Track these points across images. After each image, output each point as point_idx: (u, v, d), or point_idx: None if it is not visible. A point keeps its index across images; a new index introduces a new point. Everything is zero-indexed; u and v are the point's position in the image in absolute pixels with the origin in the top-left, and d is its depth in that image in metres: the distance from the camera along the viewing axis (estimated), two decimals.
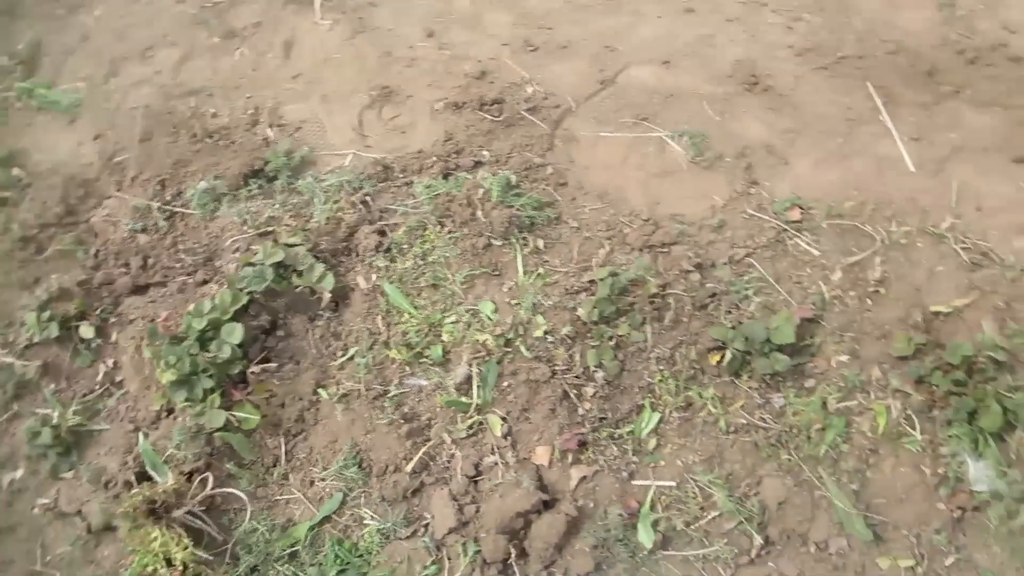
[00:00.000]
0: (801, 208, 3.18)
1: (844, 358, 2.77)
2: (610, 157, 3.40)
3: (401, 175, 3.31)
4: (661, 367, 2.77)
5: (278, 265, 2.87)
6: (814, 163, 3.35)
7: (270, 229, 3.11)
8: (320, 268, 2.90)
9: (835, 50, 3.76)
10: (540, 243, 3.08)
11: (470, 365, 2.77)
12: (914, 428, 2.61)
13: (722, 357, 2.70)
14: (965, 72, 3.66)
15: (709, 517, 2.53)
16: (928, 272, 2.98)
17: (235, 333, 2.65)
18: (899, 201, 3.20)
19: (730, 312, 2.86)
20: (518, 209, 3.11)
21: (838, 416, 2.64)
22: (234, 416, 2.64)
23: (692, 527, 2.52)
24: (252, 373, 2.71)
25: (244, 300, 2.74)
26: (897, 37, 3.79)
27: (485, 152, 3.37)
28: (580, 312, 2.82)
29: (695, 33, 3.86)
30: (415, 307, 2.92)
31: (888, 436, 2.60)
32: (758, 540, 2.46)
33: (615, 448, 2.68)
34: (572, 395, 2.73)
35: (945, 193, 3.22)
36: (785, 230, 3.11)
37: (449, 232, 3.09)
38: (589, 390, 2.74)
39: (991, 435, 2.51)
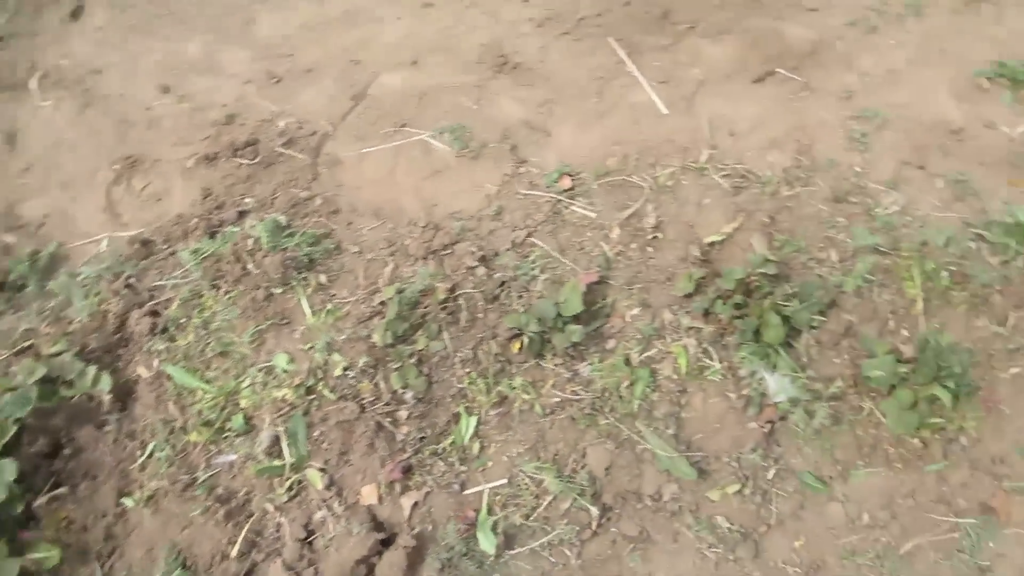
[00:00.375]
0: (571, 175, 3.22)
1: (636, 311, 2.82)
2: (378, 171, 3.33)
3: (164, 247, 3.12)
4: (468, 369, 2.74)
5: (43, 381, 2.65)
6: (574, 129, 3.39)
7: (27, 344, 2.86)
8: (92, 371, 2.69)
9: (573, 14, 3.83)
10: (323, 278, 2.99)
11: (275, 425, 2.64)
12: (712, 359, 2.69)
13: (522, 343, 2.69)
14: (696, 7, 3.82)
15: (545, 503, 2.53)
16: (697, 206, 3.08)
17: (7, 471, 2.42)
18: (658, 145, 3.29)
19: (521, 296, 2.86)
20: (293, 249, 3.00)
21: (643, 368, 2.69)
22: (31, 560, 2.42)
23: (531, 519, 2.51)
24: (40, 506, 2.49)
25: (12, 431, 2.51)
26: None
27: (248, 200, 3.23)
28: (375, 338, 2.74)
29: (437, 27, 3.84)
30: (206, 381, 2.77)
31: (691, 374, 2.67)
32: (595, 511, 2.47)
33: (441, 463, 2.63)
34: (387, 424, 2.66)
35: (699, 127, 3.34)
36: (560, 201, 3.14)
37: (226, 293, 2.94)
38: (403, 414, 2.68)
39: (779, 346, 2.62)
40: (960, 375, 2.52)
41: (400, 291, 2.82)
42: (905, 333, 2.73)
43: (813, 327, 2.70)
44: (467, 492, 2.58)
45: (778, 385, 2.57)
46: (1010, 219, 2.93)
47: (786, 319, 2.66)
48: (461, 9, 3.84)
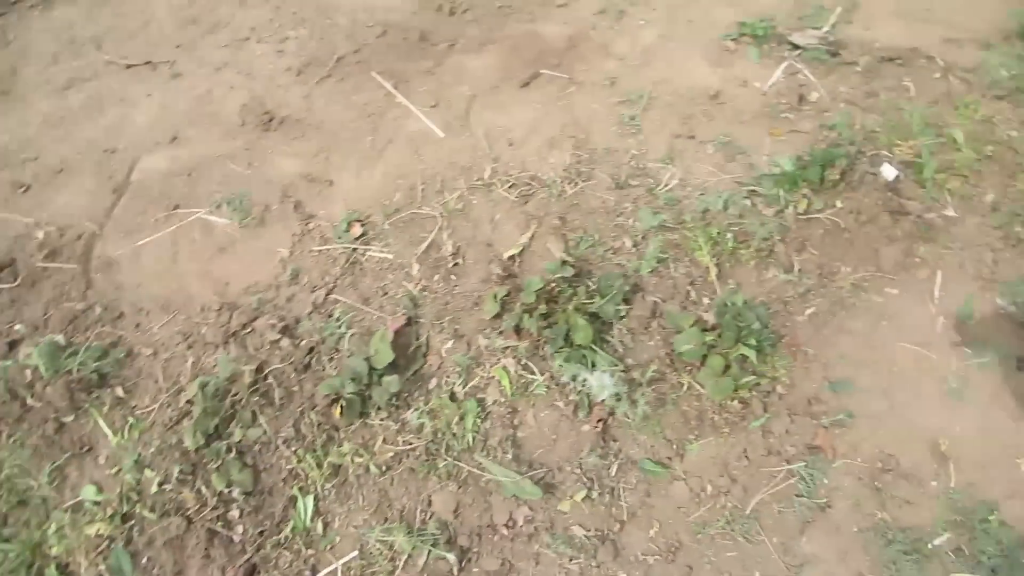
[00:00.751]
0: (360, 221, 3.14)
1: (451, 344, 2.78)
2: (158, 263, 3.12)
3: None
4: (293, 448, 2.61)
5: None
6: (356, 172, 3.32)
7: None
8: None
9: (331, 55, 3.75)
10: (119, 391, 2.77)
11: (94, 566, 2.41)
12: (534, 373, 2.68)
13: (341, 408, 2.58)
14: (452, 25, 3.83)
15: (401, 564, 2.43)
16: (491, 223, 3.08)
17: None
18: (443, 170, 3.27)
19: (332, 359, 2.76)
20: (78, 369, 2.75)
21: (469, 399, 2.65)
22: None
23: None
24: None
25: None
26: (380, 18, 3.86)
27: (17, 326, 2.95)
28: (187, 442, 2.56)
29: (191, 97, 3.66)
30: (4, 540, 2.49)
31: (517, 393, 2.66)
32: (452, 558, 2.41)
33: (287, 553, 2.49)
34: (219, 529, 2.49)
35: (478, 143, 3.34)
36: (355, 249, 3.05)
37: (9, 436, 2.67)
38: (234, 513, 2.52)
39: (592, 345, 2.64)
40: (760, 330, 2.63)
41: (204, 385, 2.65)
42: (707, 301, 2.82)
43: (621, 317, 2.75)
44: (320, 575, 2.45)
45: (599, 383, 2.59)
46: (777, 169, 3.09)
47: (594, 316, 2.70)
48: (212, 73, 3.67)
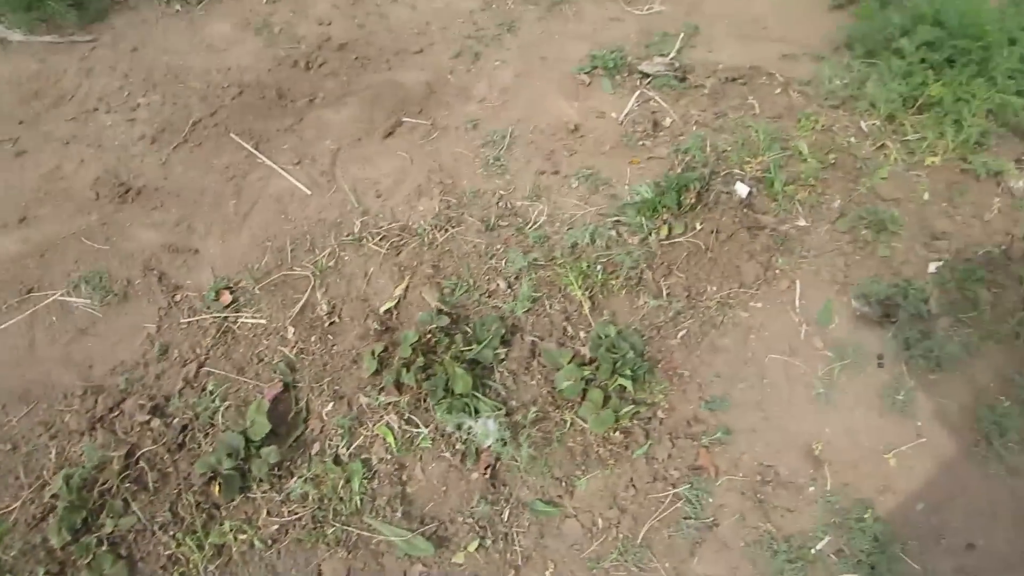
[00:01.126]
0: (230, 288, 3.05)
1: (331, 405, 2.73)
2: (14, 351, 2.95)
3: None
4: (172, 532, 2.49)
5: None
6: (221, 238, 3.23)
7: None
8: None
9: (186, 119, 3.65)
10: None
11: None
12: (419, 426, 2.66)
13: (220, 485, 2.48)
14: (309, 80, 3.79)
15: None
16: (365, 278, 3.04)
17: None
18: (311, 229, 3.23)
19: (207, 435, 2.66)
20: None
21: (354, 461, 2.60)
22: None
23: None
24: None
25: None
26: (235, 78, 3.79)
27: None
28: (52, 540, 2.41)
29: (38, 174, 3.50)
30: None
31: (403, 448, 2.63)
32: None
33: None
34: None
35: (345, 198, 3.31)
36: (226, 318, 2.96)
37: None
38: None
39: (474, 392, 2.64)
40: (635, 358, 2.69)
41: (69, 477, 2.50)
42: (583, 335, 2.87)
43: (501, 360, 2.77)
44: None
45: (484, 429, 2.59)
46: (637, 197, 3.18)
47: (473, 362, 2.70)
48: (60, 147, 3.52)
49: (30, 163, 3.46)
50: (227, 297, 3.02)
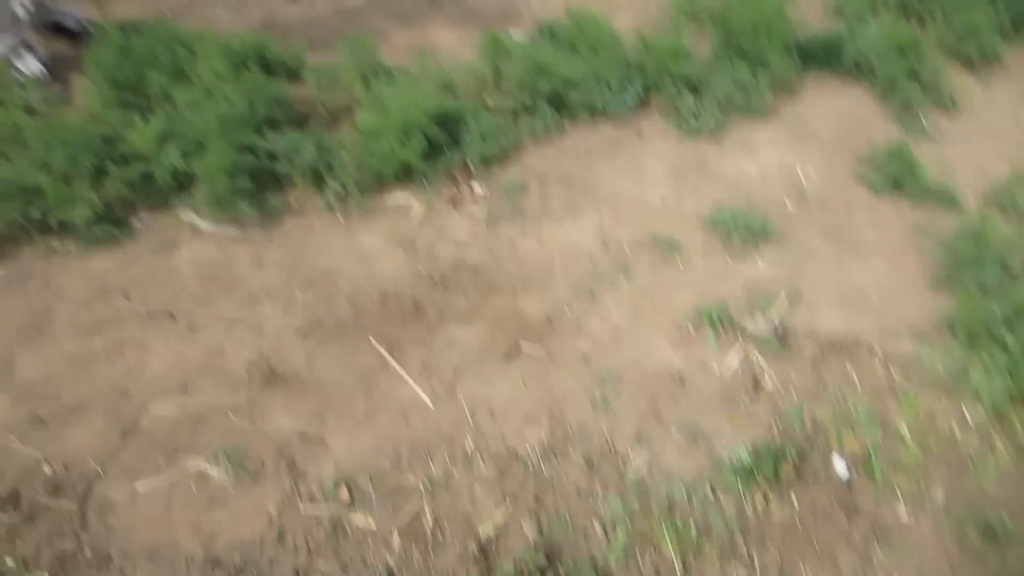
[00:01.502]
0: (348, 485, 3.34)
1: None
2: (153, 510, 3.28)
3: None
4: None
5: None
6: (348, 434, 3.56)
7: None
8: None
9: (334, 318, 4.10)
10: None
11: None
12: None
13: None
14: (442, 296, 4.23)
15: None
16: (470, 497, 3.29)
17: None
18: (428, 439, 3.52)
19: None
20: None
21: None
22: None
23: None
24: None
25: None
26: (379, 287, 4.26)
27: (8, 560, 3.05)
28: None
29: (204, 349, 3.96)
30: None
31: None
32: None
33: None
34: None
35: (462, 413, 3.63)
36: (341, 515, 3.23)
37: None
38: None
39: None
40: None
41: None
42: None
43: None
44: None
45: None
46: (736, 459, 3.38)
47: None
48: (226, 328, 4.01)
49: (200, 339, 3.96)
50: (345, 494, 3.31)
